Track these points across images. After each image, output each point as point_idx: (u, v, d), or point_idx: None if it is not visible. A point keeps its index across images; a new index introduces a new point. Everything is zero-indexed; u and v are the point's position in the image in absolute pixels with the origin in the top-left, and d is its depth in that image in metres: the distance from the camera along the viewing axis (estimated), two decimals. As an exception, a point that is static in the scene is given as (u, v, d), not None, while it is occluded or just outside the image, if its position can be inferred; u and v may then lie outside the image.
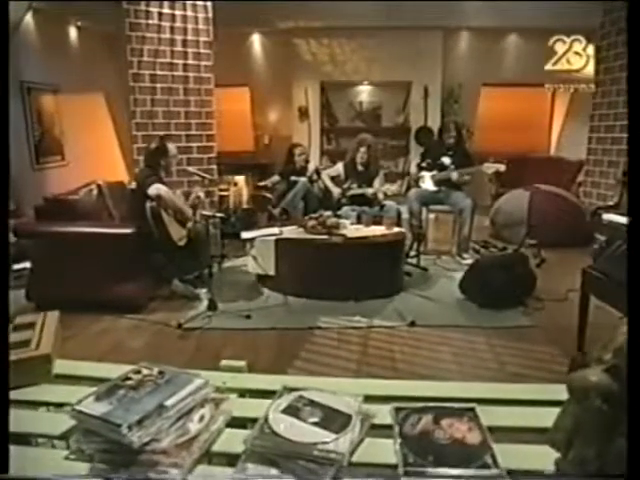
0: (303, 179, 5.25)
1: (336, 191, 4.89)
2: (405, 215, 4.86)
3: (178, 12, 5.15)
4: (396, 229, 4.21)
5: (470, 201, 4.72)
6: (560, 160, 6.80)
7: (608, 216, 4.30)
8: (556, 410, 0.89)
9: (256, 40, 7.36)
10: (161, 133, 4.79)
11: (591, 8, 5.27)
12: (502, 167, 4.51)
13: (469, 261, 4.31)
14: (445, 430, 0.96)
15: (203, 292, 3.77)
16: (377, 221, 4.53)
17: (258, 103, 7.53)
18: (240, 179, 6.44)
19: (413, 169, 5.95)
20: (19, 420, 1.02)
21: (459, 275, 3.94)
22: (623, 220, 3.96)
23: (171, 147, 3.85)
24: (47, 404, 1.14)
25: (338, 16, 6.21)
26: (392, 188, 4.78)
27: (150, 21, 5.03)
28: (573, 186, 6.19)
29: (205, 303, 3.55)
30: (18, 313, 1.44)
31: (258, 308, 3.62)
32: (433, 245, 5.14)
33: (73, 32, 6.30)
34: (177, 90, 5.26)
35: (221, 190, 5.68)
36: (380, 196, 4.72)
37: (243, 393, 1.18)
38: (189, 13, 5.20)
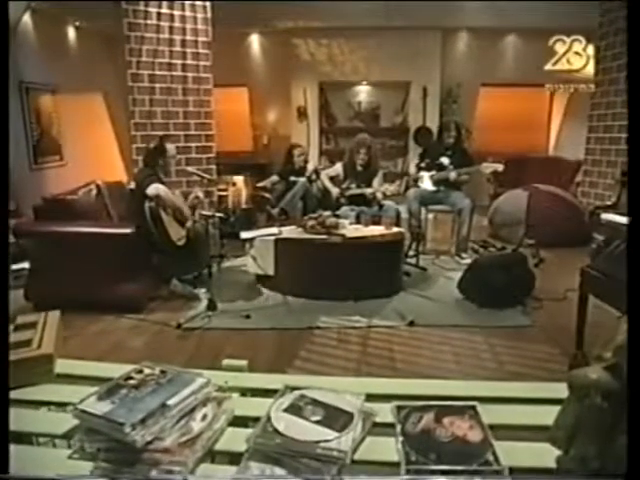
0: (302, 179, 5.26)
1: (335, 191, 4.89)
2: (404, 215, 4.86)
3: (177, 12, 5.14)
4: (395, 229, 4.21)
5: (469, 201, 4.74)
6: (558, 160, 6.80)
7: (606, 216, 4.30)
8: (556, 408, 0.90)
9: (255, 40, 7.36)
10: (160, 133, 4.78)
11: (590, 8, 5.27)
12: (500, 167, 4.52)
13: (468, 261, 4.31)
14: (446, 428, 0.97)
15: (202, 292, 3.77)
16: (376, 221, 4.54)
17: (257, 103, 7.53)
18: (239, 179, 6.42)
19: (412, 169, 5.95)
20: (22, 420, 1.02)
21: (458, 275, 3.94)
22: (621, 220, 3.97)
23: (170, 147, 3.84)
24: (49, 403, 1.14)
25: (337, 16, 6.21)
26: (391, 188, 4.77)
27: (149, 21, 5.02)
28: (571, 186, 6.19)
29: (204, 303, 3.55)
30: (17, 313, 1.44)
31: (257, 308, 3.62)
32: (432, 245, 5.14)
33: (71, 32, 6.30)
34: (176, 90, 5.25)
35: (220, 190, 5.67)
36: (379, 196, 4.71)
37: (245, 392, 1.18)
38: (188, 13, 5.19)
